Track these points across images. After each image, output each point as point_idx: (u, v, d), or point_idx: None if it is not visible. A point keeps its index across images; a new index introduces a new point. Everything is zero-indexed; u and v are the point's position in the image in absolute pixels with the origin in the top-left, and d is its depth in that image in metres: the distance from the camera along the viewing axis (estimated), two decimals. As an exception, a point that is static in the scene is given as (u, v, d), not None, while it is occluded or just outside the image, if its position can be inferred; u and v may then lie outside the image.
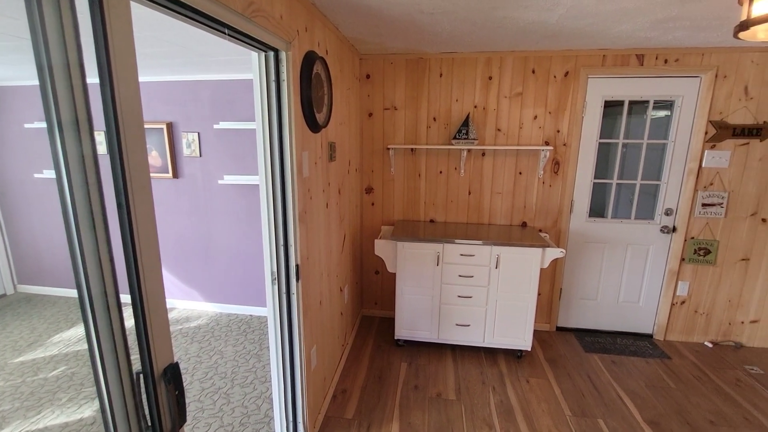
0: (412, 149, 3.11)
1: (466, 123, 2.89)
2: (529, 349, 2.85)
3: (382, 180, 3.21)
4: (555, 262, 3.16)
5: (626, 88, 2.83)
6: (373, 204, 3.27)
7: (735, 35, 1.25)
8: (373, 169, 3.20)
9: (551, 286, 3.21)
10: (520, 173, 3.03)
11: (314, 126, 1.87)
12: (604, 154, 3.01)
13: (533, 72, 2.85)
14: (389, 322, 3.41)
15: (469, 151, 3.03)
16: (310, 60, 1.74)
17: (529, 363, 2.85)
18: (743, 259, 2.97)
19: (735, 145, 2.79)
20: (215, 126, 3.10)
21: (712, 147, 2.81)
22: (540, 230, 3.11)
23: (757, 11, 1.14)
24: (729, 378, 2.72)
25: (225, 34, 1.21)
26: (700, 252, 3.00)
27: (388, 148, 3.12)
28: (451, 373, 2.72)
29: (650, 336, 3.23)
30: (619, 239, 3.09)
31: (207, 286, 3.57)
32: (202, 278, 3.55)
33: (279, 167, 1.67)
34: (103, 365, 0.84)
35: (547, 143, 2.95)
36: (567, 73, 2.82)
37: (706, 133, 2.78)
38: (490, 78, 2.90)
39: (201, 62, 2.55)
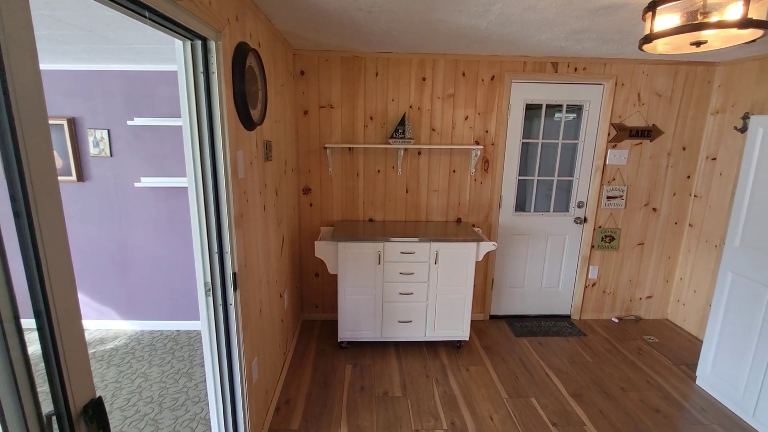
0: (349, 148, 3.08)
1: (402, 122, 2.93)
2: (467, 339, 2.99)
3: (320, 180, 3.14)
4: (487, 254, 3.35)
5: (544, 93, 3.10)
6: (311, 205, 3.18)
7: (640, 47, 1.42)
8: (311, 169, 3.11)
9: (484, 278, 3.40)
10: (454, 171, 3.17)
11: (249, 123, 1.75)
12: (527, 153, 3.27)
13: (463, 75, 2.98)
14: (331, 325, 3.35)
15: (405, 150, 3.09)
16: (242, 51, 1.62)
17: (467, 352, 2.99)
18: (639, 244, 3.42)
19: (631, 144, 3.20)
20: (129, 122, 2.77)
21: (614, 146, 3.19)
22: (473, 225, 3.27)
23: (658, 26, 1.30)
24: (632, 348, 3.12)
25: (146, 17, 1.07)
26: (606, 239, 3.39)
27: (326, 147, 3.05)
28: (396, 370, 2.75)
29: (568, 317, 3.58)
30: (541, 231, 3.38)
31: (124, 302, 3.19)
32: (118, 293, 3.16)
33: (211, 168, 1.53)
34: (0, 410, 0.69)
35: (477, 142, 3.12)
36: (493, 77, 3.00)
37: (608, 134, 3.15)
38: (424, 79, 2.98)
39: (112, 50, 2.26)
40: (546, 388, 2.61)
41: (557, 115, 3.20)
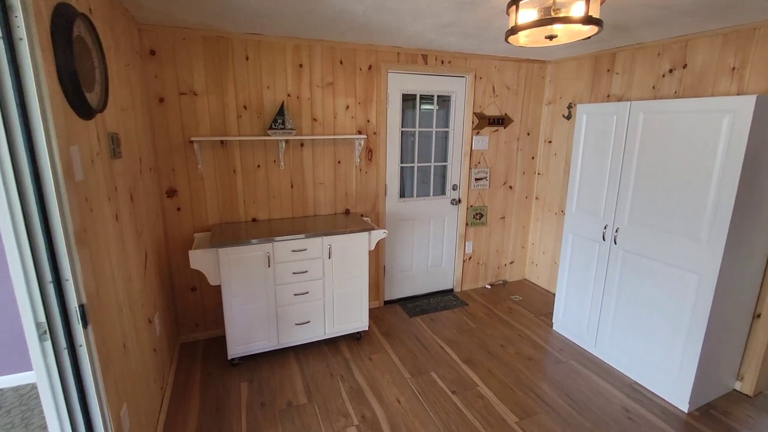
0: (222, 141, 2.73)
1: (281, 112, 2.72)
2: (367, 329, 3.00)
3: (188, 179, 2.71)
4: (378, 242, 3.41)
5: (417, 84, 3.25)
6: (179, 209, 2.73)
7: (506, 39, 1.56)
8: (175, 168, 2.66)
9: (376, 265, 3.45)
10: (339, 162, 3.10)
11: (84, 110, 1.36)
12: (406, 142, 3.40)
13: (341, 63, 2.91)
14: (218, 343, 2.97)
15: (287, 141, 2.89)
16: (65, 15, 1.23)
17: (368, 342, 3.01)
18: (502, 218, 3.92)
19: (490, 131, 3.61)
20: None
21: (477, 133, 3.56)
22: (362, 215, 3.28)
23: (521, 20, 1.44)
24: (504, 308, 3.58)
25: None
26: (477, 216, 3.79)
27: (192, 141, 2.64)
28: (298, 376, 2.59)
29: (452, 290, 3.92)
30: (424, 214, 3.58)
31: None
32: None
33: (30, 169, 1.14)
34: None
35: (360, 132, 3.10)
36: (370, 66, 3.01)
37: (472, 122, 3.50)
38: (301, 66, 2.81)
39: None
40: (442, 360, 2.80)
41: (427, 105, 3.40)
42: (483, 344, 3.00)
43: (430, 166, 3.52)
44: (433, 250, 3.71)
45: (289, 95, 2.82)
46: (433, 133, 3.46)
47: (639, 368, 2.55)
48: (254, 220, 2.94)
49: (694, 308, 2.22)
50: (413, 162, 3.44)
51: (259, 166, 2.86)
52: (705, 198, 2.12)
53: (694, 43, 2.55)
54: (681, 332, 2.29)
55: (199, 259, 2.40)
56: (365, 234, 2.77)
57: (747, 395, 2.47)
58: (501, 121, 3.62)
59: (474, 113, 3.48)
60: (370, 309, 3.51)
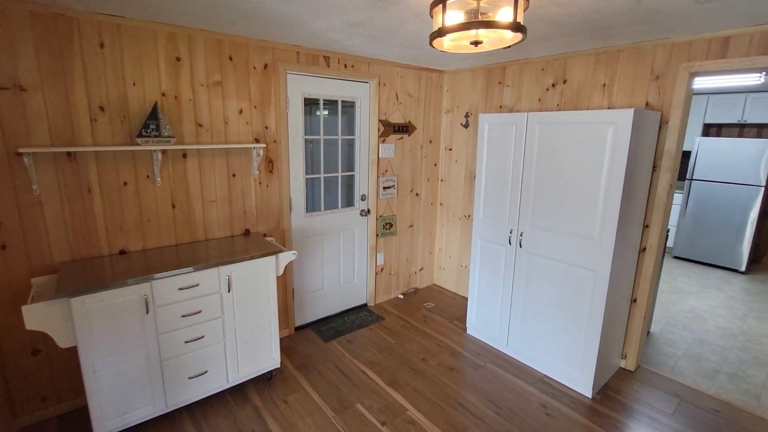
0: (69, 153, 2.07)
1: (154, 116, 2.18)
2: (279, 366, 2.63)
3: (18, 206, 1.99)
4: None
5: (320, 88, 2.99)
6: (3, 247, 1.98)
7: (430, 42, 1.43)
8: (-10, 190, 1.92)
9: (284, 290, 3.08)
10: (234, 175, 2.66)
11: None
12: (311, 150, 3.11)
13: (231, 59, 2.49)
14: (79, 417, 2.26)
15: (164, 152, 2.34)
16: None
17: (281, 381, 2.63)
18: (410, 226, 3.90)
19: (396, 139, 3.55)
20: None
21: (383, 141, 3.45)
22: (264, 235, 2.88)
23: (449, 21, 1.31)
24: (419, 317, 3.54)
25: None
26: (387, 226, 3.69)
27: (21, 154, 1.94)
28: (198, 441, 2.10)
29: (366, 305, 3.74)
30: (333, 228, 3.33)
31: None
32: None
33: None
34: None
35: (257, 140, 2.71)
36: (266, 65, 2.65)
37: (378, 129, 3.38)
38: (179, 59, 2.30)
39: None
40: (366, 386, 2.58)
41: (332, 111, 3.17)
42: (405, 361, 2.88)
43: (337, 177, 3.29)
44: (344, 266, 3.48)
45: (164, 95, 2.30)
46: (339, 141, 3.24)
47: (548, 362, 2.71)
48: (123, 252, 2.31)
49: (591, 301, 2.42)
50: (319, 172, 3.16)
51: (126, 184, 2.26)
52: (596, 201, 2.32)
53: (572, 60, 2.83)
54: (581, 324, 2.48)
55: (38, 316, 1.75)
56: (271, 258, 2.40)
57: (630, 371, 2.81)
58: (405, 129, 3.59)
59: (379, 120, 3.37)
60: (280, 339, 3.11)
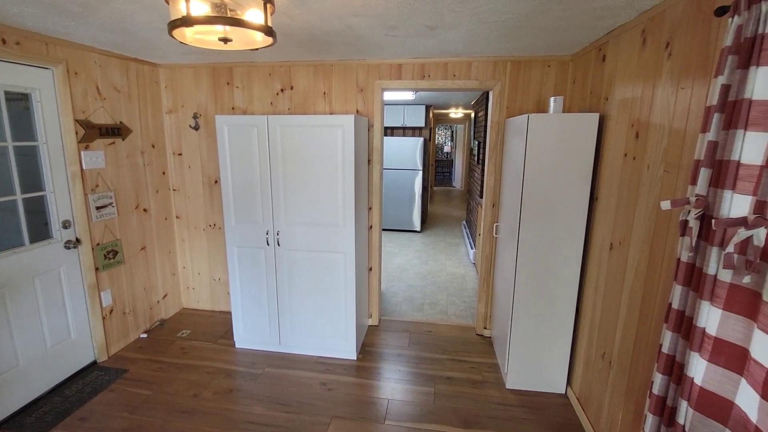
0: None
1: None
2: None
3: None
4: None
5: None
6: None
7: (170, 32, 1.24)
8: None
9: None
10: None
11: None
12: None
13: None
14: None
15: None
16: None
17: None
18: (142, 249, 3.24)
19: (105, 144, 2.82)
20: None
21: (87, 147, 2.68)
22: None
23: (194, 11, 1.19)
24: (176, 352, 3.05)
25: None
26: (110, 255, 2.93)
27: None
28: None
29: (95, 363, 2.86)
30: (21, 275, 2.33)
31: None
32: None
33: None
34: None
35: None
36: None
37: (77, 132, 2.59)
38: None
39: None
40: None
41: (-13, 105, 2.17)
42: (172, 407, 2.43)
43: (15, 200, 2.30)
44: (51, 322, 2.52)
45: None
46: (10, 148, 2.26)
47: (319, 343, 2.96)
48: None
49: (345, 279, 2.82)
50: (-24, 196, 2.11)
51: None
52: (336, 192, 2.69)
53: (295, 69, 3.10)
54: (341, 301, 2.86)
55: None
56: None
57: (376, 325, 3.48)
58: (117, 132, 2.90)
59: (77, 121, 2.58)
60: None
